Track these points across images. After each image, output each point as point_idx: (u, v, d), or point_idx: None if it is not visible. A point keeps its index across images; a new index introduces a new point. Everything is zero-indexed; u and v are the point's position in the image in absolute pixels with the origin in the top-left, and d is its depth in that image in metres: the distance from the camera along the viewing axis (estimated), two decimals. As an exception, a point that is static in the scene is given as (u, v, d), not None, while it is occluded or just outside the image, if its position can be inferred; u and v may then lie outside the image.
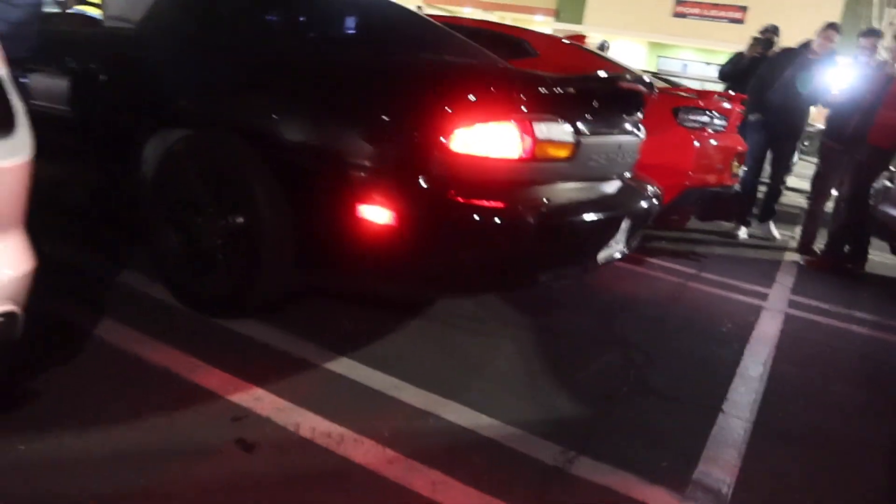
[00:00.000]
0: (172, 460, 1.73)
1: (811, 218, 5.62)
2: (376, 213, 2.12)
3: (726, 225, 5.93)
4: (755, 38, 5.98)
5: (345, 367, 2.33)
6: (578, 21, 25.08)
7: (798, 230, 5.93)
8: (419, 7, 9.78)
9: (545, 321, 3.07)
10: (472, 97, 2.10)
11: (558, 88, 2.28)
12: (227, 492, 1.65)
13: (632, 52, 25.34)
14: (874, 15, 17.79)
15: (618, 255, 2.79)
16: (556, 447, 2.03)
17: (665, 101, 4.45)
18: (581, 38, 5.57)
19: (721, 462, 2.10)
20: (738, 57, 6.13)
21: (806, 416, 2.54)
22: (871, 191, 5.00)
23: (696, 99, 4.52)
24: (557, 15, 25.31)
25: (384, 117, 2.15)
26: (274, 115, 2.30)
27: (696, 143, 4.44)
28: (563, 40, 5.15)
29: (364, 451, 1.87)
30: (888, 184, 4.92)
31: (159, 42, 2.73)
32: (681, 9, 24.09)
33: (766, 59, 5.79)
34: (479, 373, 2.45)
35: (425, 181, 2.08)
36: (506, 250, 2.17)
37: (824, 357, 3.23)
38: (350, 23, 2.66)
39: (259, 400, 2.05)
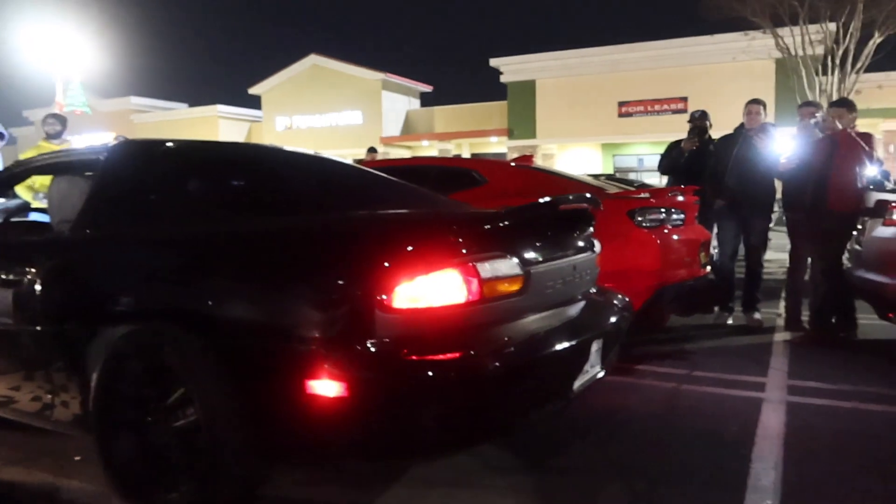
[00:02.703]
0: None
1: (792, 293, 5.55)
2: (326, 387, 1.97)
3: (709, 317, 5.81)
4: (690, 130, 6.15)
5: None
6: (531, 136, 26.15)
7: (782, 305, 5.83)
8: (372, 149, 10.00)
9: (532, 458, 2.86)
10: (406, 250, 2.02)
11: (495, 224, 2.22)
12: None
13: (587, 156, 26.31)
14: (805, 86, 18.74)
15: (597, 377, 2.63)
16: None
17: (619, 206, 4.46)
18: (528, 157, 5.68)
19: None
20: (676, 150, 6.25)
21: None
22: (843, 256, 4.97)
23: (648, 199, 4.53)
24: (510, 133, 26.38)
25: (317, 284, 2.05)
26: (206, 298, 2.20)
27: (659, 242, 4.41)
28: (511, 163, 5.24)
29: None
30: (857, 247, 4.90)
31: (87, 242, 2.66)
32: (625, 109, 25.31)
33: (707, 149, 5.95)
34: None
35: (371, 344, 1.95)
36: (470, 401, 2.01)
37: (836, 446, 3.01)
38: (276, 189, 2.62)
39: None
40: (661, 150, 6.67)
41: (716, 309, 5.77)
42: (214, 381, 2.15)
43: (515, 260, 2.22)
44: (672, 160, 6.26)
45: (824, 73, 18.69)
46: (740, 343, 5.07)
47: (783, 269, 6.16)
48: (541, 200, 2.37)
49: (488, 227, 2.22)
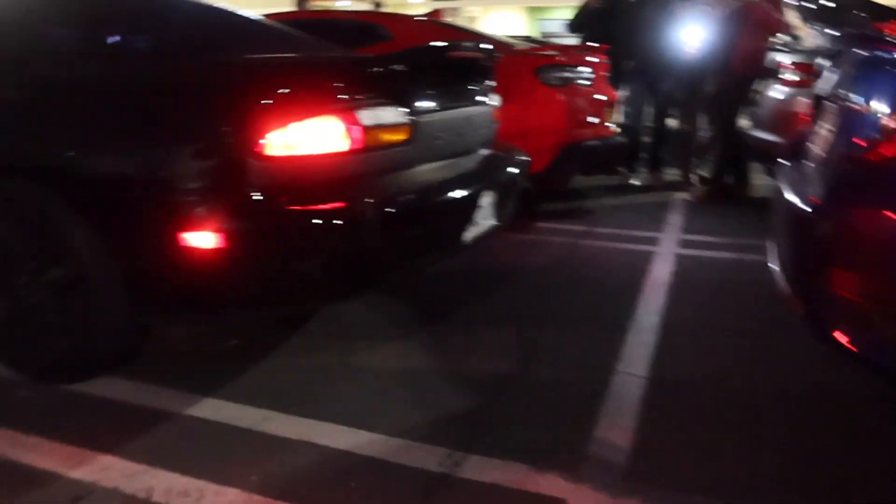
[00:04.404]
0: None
1: (689, 153, 5.69)
2: (201, 239, 1.90)
3: (615, 178, 5.92)
4: None
5: (209, 409, 2.11)
6: (454, -4, 25.02)
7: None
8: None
9: (428, 310, 2.93)
10: (279, 95, 1.91)
11: (380, 69, 2.12)
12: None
13: (511, 20, 25.52)
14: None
15: (490, 230, 2.66)
16: (441, 451, 1.88)
17: (525, 63, 4.37)
18: (437, 13, 5.44)
19: (617, 430, 2.00)
20: (585, 7, 6.13)
21: (703, 362, 2.48)
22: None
23: (556, 56, 4.45)
24: (433, -8, 25.15)
25: (187, 131, 1.93)
26: (71, 150, 2.04)
27: (565, 100, 4.37)
28: (418, 18, 4.99)
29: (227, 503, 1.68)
30: (755, 109, 5.02)
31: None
32: (551, -31, 24.37)
33: (620, 8, 5.82)
34: (356, 384, 2.28)
35: (247, 194, 1.88)
36: (349, 251, 1.99)
37: (717, 292, 3.21)
38: (140, 29, 2.39)
39: (107, 469, 1.81)
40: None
41: (621, 169, 5.90)
42: (86, 238, 2.05)
43: (401, 108, 2.14)
44: (582, 17, 6.13)
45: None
46: (641, 201, 5.24)
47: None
48: (430, 45, 2.26)
49: (371, 72, 2.11)
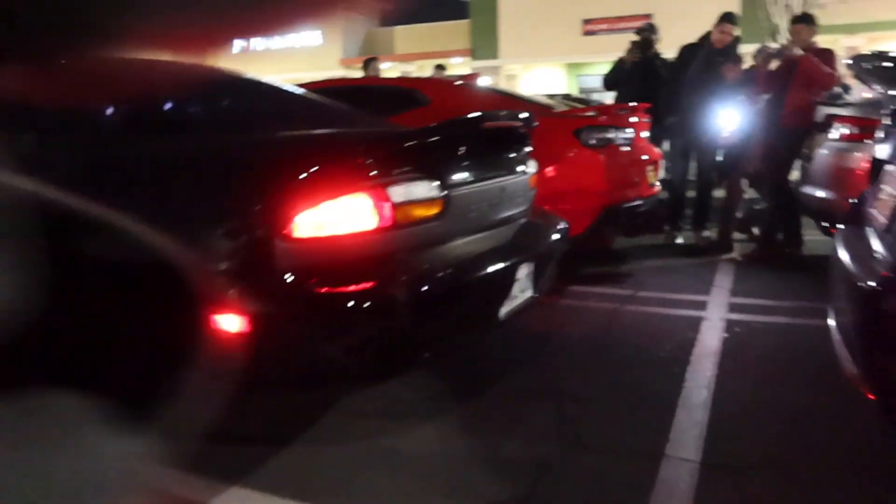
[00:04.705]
0: None
1: (735, 211, 5.53)
2: (227, 322, 1.84)
3: (660, 237, 5.77)
4: (632, 42, 5.98)
5: (235, 500, 2.02)
6: (494, 56, 25.51)
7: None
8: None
9: (467, 385, 2.81)
10: (307, 175, 1.87)
11: (411, 143, 2.07)
12: None
13: (550, 77, 25.83)
14: (769, 0, 18.38)
15: (528, 302, 2.56)
16: (478, 549, 1.75)
17: (565, 126, 4.32)
18: (474, 76, 5.47)
19: (667, 524, 1.84)
20: (619, 63, 6.10)
21: (758, 442, 2.30)
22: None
23: (595, 117, 4.39)
24: (473, 54, 25.69)
25: (212, 213, 1.89)
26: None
27: (605, 161, 4.29)
28: (454, 82, 5.02)
29: None
30: (805, 164, 4.85)
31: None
32: (589, 27, 24.72)
33: (653, 64, 5.77)
34: (390, 470, 2.16)
35: (273, 276, 1.82)
36: (381, 334, 1.91)
37: (769, 361, 3.02)
38: (170, 106, 2.40)
39: (126, 566, 1.73)
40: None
41: (666, 228, 5.74)
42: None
43: (433, 182, 2.09)
44: (616, 73, 6.12)
45: (789, -13, 18.35)
46: (687, 262, 5.06)
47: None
48: (463, 117, 2.22)
49: (402, 147, 2.07)
